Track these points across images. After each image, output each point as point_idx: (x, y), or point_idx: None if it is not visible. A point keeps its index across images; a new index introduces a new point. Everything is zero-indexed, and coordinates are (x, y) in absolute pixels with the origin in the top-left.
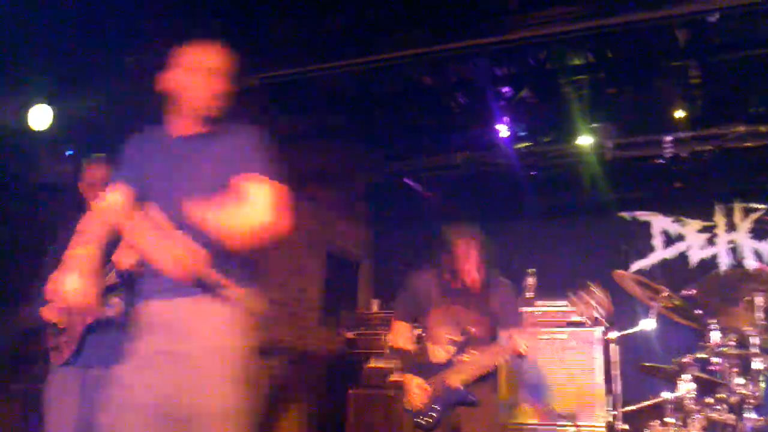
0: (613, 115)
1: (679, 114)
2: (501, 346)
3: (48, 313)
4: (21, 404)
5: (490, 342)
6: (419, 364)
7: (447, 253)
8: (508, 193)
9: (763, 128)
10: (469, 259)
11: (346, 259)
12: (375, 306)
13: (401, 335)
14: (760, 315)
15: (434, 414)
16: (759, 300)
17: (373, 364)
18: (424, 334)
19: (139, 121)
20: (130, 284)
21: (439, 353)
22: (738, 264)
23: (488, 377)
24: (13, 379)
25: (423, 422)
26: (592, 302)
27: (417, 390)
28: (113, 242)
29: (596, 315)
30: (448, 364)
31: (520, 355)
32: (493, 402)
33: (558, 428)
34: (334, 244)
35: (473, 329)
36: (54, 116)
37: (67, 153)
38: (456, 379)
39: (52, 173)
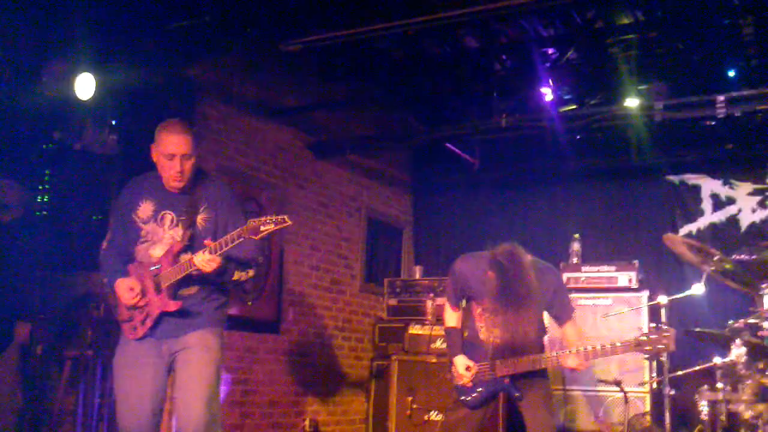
0: (663, 75)
1: (732, 73)
2: (552, 357)
3: (126, 297)
4: (71, 369)
5: (538, 337)
6: (468, 342)
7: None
8: (554, 157)
9: None
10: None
11: (389, 225)
12: (417, 273)
13: (451, 318)
14: None
15: (476, 395)
16: None
17: (416, 330)
18: (474, 313)
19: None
20: (205, 281)
21: (486, 333)
22: None
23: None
24: (65, 344)
25: (468, 399)
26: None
27: (463, 371)
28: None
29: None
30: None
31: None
32: (545, 392)
33: (603, 394)
34: (377, 211)
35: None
36: (97, 85)
37: (113, 122)
38: (503, 371)
39: (98, 142)
